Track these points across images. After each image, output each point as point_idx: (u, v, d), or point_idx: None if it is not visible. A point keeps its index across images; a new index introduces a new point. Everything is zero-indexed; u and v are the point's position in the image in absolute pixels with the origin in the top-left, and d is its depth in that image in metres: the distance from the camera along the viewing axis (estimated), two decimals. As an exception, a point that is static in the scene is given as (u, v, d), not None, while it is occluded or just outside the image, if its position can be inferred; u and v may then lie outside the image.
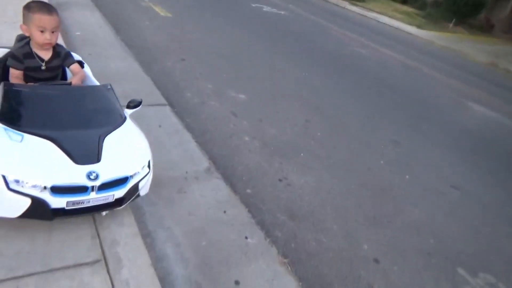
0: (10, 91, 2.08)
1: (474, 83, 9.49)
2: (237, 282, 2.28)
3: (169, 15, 7.78)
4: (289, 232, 2.81)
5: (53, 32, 2.23)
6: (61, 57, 2.40)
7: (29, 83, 2.26)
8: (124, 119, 2.33)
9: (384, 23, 17.13)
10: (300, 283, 2.40)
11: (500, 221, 3.70)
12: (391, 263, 2.77)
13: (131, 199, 2.18)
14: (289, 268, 2.48)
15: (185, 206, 2.74)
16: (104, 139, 2.11)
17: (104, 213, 2.20)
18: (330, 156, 4.01)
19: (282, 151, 3.84)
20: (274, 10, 11.98)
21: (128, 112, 2.43)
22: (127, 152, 2.18)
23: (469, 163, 4.77)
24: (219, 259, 2.40)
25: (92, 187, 1.94)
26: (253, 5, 11.83)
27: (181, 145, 3.43)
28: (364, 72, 7.70)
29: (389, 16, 19.15)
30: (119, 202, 2.10)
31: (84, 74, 2.57)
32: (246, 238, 2.63)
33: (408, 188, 3.81)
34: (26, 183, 1.81)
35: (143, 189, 2.27)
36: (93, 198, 1.97)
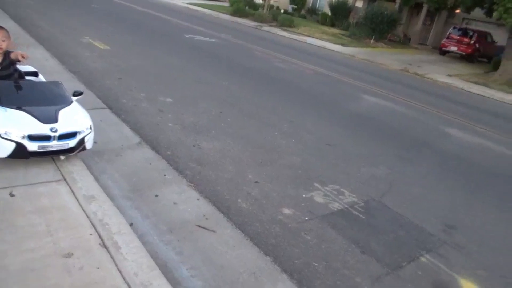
0: None
1: (373, 82, 11.39)
2: (156, 195, 3.51)
3: (107, 47, 9.06)
4: (196, 172, 4.08)
5: (3, 40, 3.41)
6: (10, 58, 3.52)
7: (5, 81, 3.46)
8: (71, 102, 3.61)
9: (310, 44, 19.24)
10: (200, 195, 3.66)
11: (352, 160, 5.17)
12: (266, 182, 4.11)
13: (80, 148, 3.41)
14: (194, 188, 3.75)
15: (121, 162, 3.95)
16: (59, 111, 3.38)
17: (62, 157, 3.39)
18: (235, 132, 5.36)
19: (197, 130, 5.16)
20: (206, 39, 13.59)
21: (74, 98, 3.70)
22: (74, 118, 3.44)
23: (347, 131, 6.32)
24: (145, 186, 3.62)
25: (54, 136, 3.19)
26: (186, 36, 13.39)
27: (117, 131, 4.66)
28: (277, 79, 9.29)
29: (316, 38, 21.40)
30: (72, 149, 3.34)
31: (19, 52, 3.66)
32: (165, 175, 3.88)
33: (292, 146, 5.23)
34: (11, 133, 3.02)
35: (88, 143, 3.51)
36: (55, 144, 3.23)
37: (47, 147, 3.19)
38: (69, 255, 2.35)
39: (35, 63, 6.59)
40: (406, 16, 25.95)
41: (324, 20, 28.67)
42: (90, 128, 3.49)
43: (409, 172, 5.15)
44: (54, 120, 3.26)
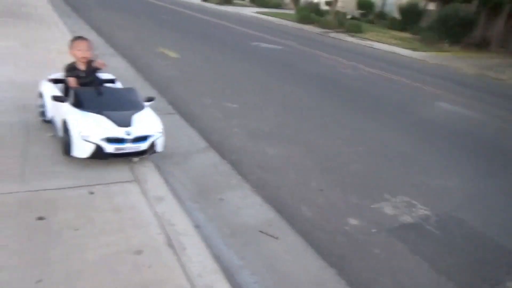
0: (77, 92, 3.58)
1: (447, 88, 10.65)
2: (221, 199, 3.56)
3: (177, 56, 9.51)
4: (259, 177, 4.09)
5: (87, 50, 3.74)
6: (92, 66, 3.86)
7: (87, 87, 3.75)
8: (144, 107, 3.80)
9: (378, 49, 18.56)
10: (264, 200, 3.65)
11: (423, 170, 4.84)
12: (331, 190, 3.99)
13: (151, 151, 3.59)
14: (257, 193, 3.75)
15: (189, 166, 4.08)
16: (133, 115, 3.58)
17: (135, 159, 3.58)
18: (299, 138, 5.30)
19: (261, 136, 5.18)
20: (272, 46, 13.72)
21: (146, 104, 3.90)
22: (147, 123, 3.62)
23: (417, 139, 5.96)
24: (211, 189, 3.70)
25: (128, 139, 3.39)
26: (252, 43, 13.63)
27: (186, 136, 4.83)
28: (343, 85, 9.06)
29: (384, 43, 20.63)
30: (144, 152, 3.53)
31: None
32: (230, 180, 3.93)
33: (358, 154, 5.04)
34: (92, 136, 3.26)
35: (158, 147, 3.67)
36: (129, 147, 3.43)
37: (122, 149, 3.39)
38: (139, 252, 2.45)
39: (113, 71, 7.13)
40: (484, 17, 23.98)
41: (393, 25, 27.57)
42: (161, 132, 3.66)
43: (490, 186, 4.71)
44: (129, 124, 3.47)
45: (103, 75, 4.31)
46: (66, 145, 3.36)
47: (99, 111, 3.46)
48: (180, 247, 2.57)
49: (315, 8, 29.45)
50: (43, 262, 2.25)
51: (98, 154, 3.33)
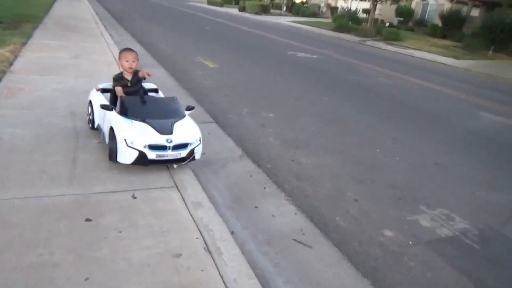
0: (124, 100, 3.79)
1: (492, 98, 10.22)
2: (256, 207, 3.64)
3: (216, 66, 9.77)
4: (294, 186, 4.13)
5: (133, 61, 3.96)
6: (137, 77, 4.07)
7: (133, 96, 3.96)
8: (184, 115, 3.96)
9: (418, 57, 18.09)
10: (298, 209, 3.69)
11: (464, 183, 4.68)
12: (366, 201, 3.97)
13: (190, 158, 3.72)
14: (291, 202, 3.80)
15: (225, 173, 4.20)
16: (174, 123, 3.74)
17: (175, 166, 3.74)
18: (334, 148, 5.30)
19: (297, 145, 5.22)
20: (308, 55, 13.76)
21: (187, 112, 4.06)
22: (187, 131, 3.76)
23: (459, 151, 5.77)
24: (246, 197, 3.79)
25: (169, 146, 3.54)
26: (289, 53, 13.73)
27: (223, 144, 4.96)
28: (381, 95, 8.93)
29: (424, 51, 20.09)
30: (183, 159, 3.67)
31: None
32: (264, 188, 4.01)
33: (395, 165, 4.97)
34: (136, 143, 3.44)
35: (197, 154, 3.81)
36: (170, 154, 3.57)
37: (163, 156, 3.53)
38: (178, 255, 2.57)
39: (155, 80, 7.43)
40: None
41: (434, 32, 26.83)
42: (199, 140, 3.78)
43: (537, 201, 4.49)
44: (170, 132, 3.61)
45: (147, 85, 4.53)
46: (112, 152, 3.54)
47: (143, 119, 3.63)
48: (217, 252, 2.67)
49: (352, 17, 29.21)
50: (90, 261, 2.41)
51: (141, 161, 3.48)
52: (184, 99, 6.45)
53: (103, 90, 4.32)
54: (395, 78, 11.37)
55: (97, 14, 17.82)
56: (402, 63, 15.22)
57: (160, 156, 3.52)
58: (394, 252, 3.22)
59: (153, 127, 3.58)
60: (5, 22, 11.01)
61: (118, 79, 4.03)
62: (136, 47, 10.96)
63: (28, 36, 9.54)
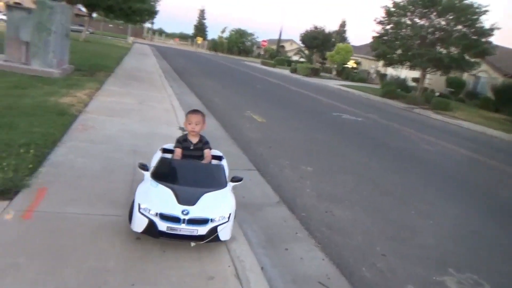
0: (161, 161, 3.54)
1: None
2: (286, 249, 3.90)
3: (264, 120, 10.42)
4: (325, 235, 4.35)
5: (196, 124, 3.87)
6: (203, 142, 3.94)
7: (177, 159, 3.72)
8: (224, 186, 3.43)
9: (466, 128, 17.85)
10: (326, 256, 3.89)
11: (501, 253, 4.62)
12: (394, 257, 4.08)
13: (210, 238, 3.08)
14: (320, 248, 4.02)
15: (261, 216, 4.52)
16: (204, 194, 3.21)
17: (192, 244, 3.16)
18: (369, 205, 5.48)
19: (332, 199, 5.47)
20: (352, 117, 14.17)
21: (231, 184, 3.54)
22: (215, 205, 3.20)
23: (500, 222, 5.69)
24: (278, 239, 4.06)
25: (184, 219, 3.02)
26: (334, 114, 14.23)
27: (261, 190, 5.34)
28: (422, 161, 9.00)
29: (474, 122, 19.79)
30: (201, 237, 3.07)
31: (210, 158, 3.89)
32: (296, 233, 4.27)
33: (428, 228, 5.03)
34: (148, 210, 3.03)
35: (223, 234, 3.17)
36: (183, 228, 3.03)
37: (175, 229, 3.02)
38: (211, 278, 2.88)
39: (207, 130, 8.11)
40: None
41: (486, 105, 26.45)
42: (228, 218, 3.20)
43: None
44: (192, 202, 3.10)
45: (213, 152, 4.14)
46: (130, 215, 3.21)
47: (170, 184, 3.22)
48: (246, 280, 2.95)
49: (401, 84, 29.64)
50: (137, 271, 2.80)
51: (151, 231, 3.02)
52: (230, 147, 7.01)
53: (165, 151, 4.01)
54: (439, 146, 11.37)
55: (161, 68, 19.69)
56: (448, 133, 15.14)
57: (171, 229, 3.01)
58: (416, 307, 3.31)
59: (176, 195, 3.12)
60: (84, 70, 12.60)
61: (182, 141, 3.84)
62: (192, 98, 12.04)
63: (101, 83, 10.85)
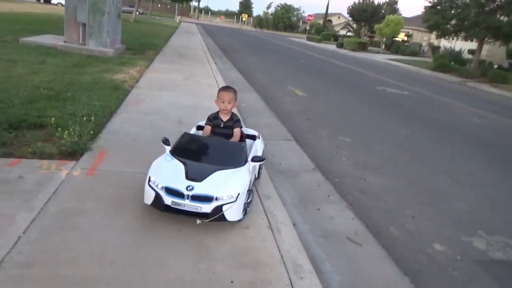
0: (182, 136, 3.60)
1: None
2: (318, 209, 4.20)
3: (305, 94, 10.57)
4: (357, 198, 4.59)
5: (229, 103, 3.77)
6: (233, 121, 3.84)
7: (199, 136, 3.78)
8: (241, 166, 3.31)
9: (525, 101, 16.81)
10: (356, 216, 4.14)
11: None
12: (424, 220, 4.24)
13: (215, 217, 2.97)
14: (351, 209, 4.27)
15: (296, 181, 4.83)
16: (216, 171, 3.14)
17: (198, 221, 3.06)
18: (404, 173, 5.59)
19: (366, 167, 5.64)
20: (398, 91, 13.86)
21: (251, 163, 3.42)
22: (224, 184, 3.07)
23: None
24: (311, 201, 4.36)
25: (187, 195, 2.94)
26: (378, 88, 13.99)
27: (298, 158, 5.62)
28: (467, 133, 8.78)
29: (536, 95, 18.51)
30: (205, 215, 2.97)
31: (238, 137, 3.78)
32: (329, 196, 4.55)
33: (463, 194, 5.08)
34: (156, 183, 3.05)
35: (229, 214, 3.02)
36: (187, 204, 2.95)
37: (179, 204, 2.97)
38: (246, 227, 3.26)
39: (248, 104, 8.45)
40: None
41: (551, 76, 24.31)
42: (236, 198, 3.05)
43: None
44: (200, 179, 3.05)
45: (248, 130, 4.22)
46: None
47: (184, 160, 3.22)
48: (277, 230, 3.30)
49: (456, 57, 28.05)
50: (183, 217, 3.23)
51: (157, 204, 3.03)
52: (270, 119, 7.32)
53: (199, 127, 4.06)
54: (489, 120, 10.92)
55: (206, 45, 20.19)
56: (503, 106, 14.36)
57: (176, 204, 2.97)
58: (439, 262, 3.49)
59: (187, 170, 3.11)
60: (134, 49, 13.35)
61: (212, 118, 3.84)
62: (235, 74, 12.41)
63: (151, 60, 11.49)
